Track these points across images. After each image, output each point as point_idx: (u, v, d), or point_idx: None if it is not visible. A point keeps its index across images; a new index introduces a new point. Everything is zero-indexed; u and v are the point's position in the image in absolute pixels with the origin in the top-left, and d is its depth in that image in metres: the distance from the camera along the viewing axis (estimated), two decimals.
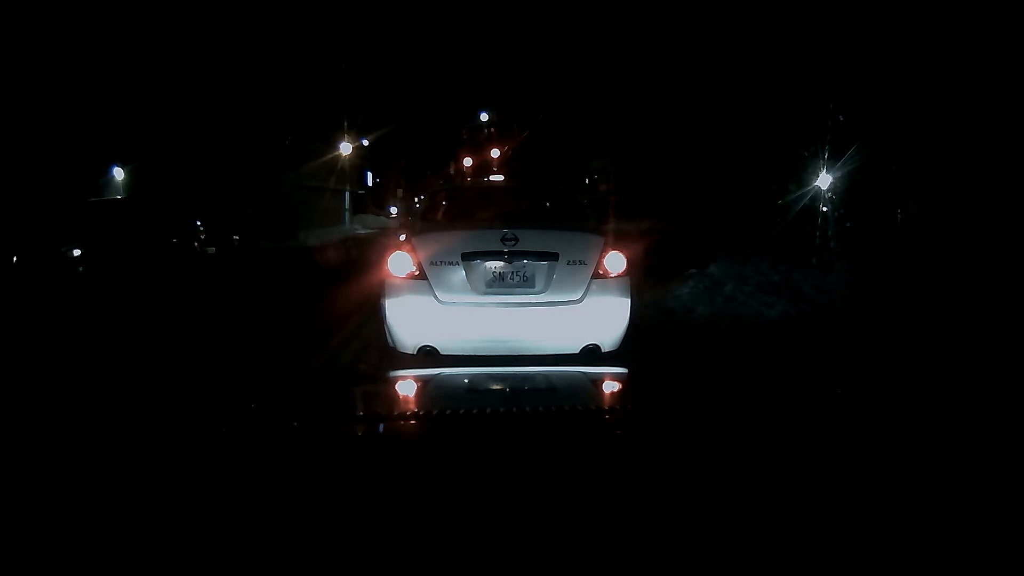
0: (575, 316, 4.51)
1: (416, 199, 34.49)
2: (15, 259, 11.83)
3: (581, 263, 4.56)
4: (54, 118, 17.34)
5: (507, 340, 4.49)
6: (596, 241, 4.72)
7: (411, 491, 1.07)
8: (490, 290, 4.53)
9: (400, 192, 57.57)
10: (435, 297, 4.49)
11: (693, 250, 9.43)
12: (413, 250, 4.61)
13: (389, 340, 4.74)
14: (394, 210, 50.11)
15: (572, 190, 6.64)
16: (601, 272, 4.59)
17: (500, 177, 15.10)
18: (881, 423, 1.41)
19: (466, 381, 2.18)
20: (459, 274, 4.52)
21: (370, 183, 47.59)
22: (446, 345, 4.51)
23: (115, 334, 6.43)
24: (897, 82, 9.24)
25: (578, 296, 4.52)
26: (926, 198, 11.40)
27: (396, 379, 2.48)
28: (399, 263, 4.61)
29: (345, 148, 34.77)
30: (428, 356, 4.49)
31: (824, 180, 9.30)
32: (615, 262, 4.66)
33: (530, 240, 4.55)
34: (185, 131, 20.61)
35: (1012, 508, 1.02)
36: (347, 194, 38.50)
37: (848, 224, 9.26)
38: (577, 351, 4.51)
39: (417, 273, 4.54)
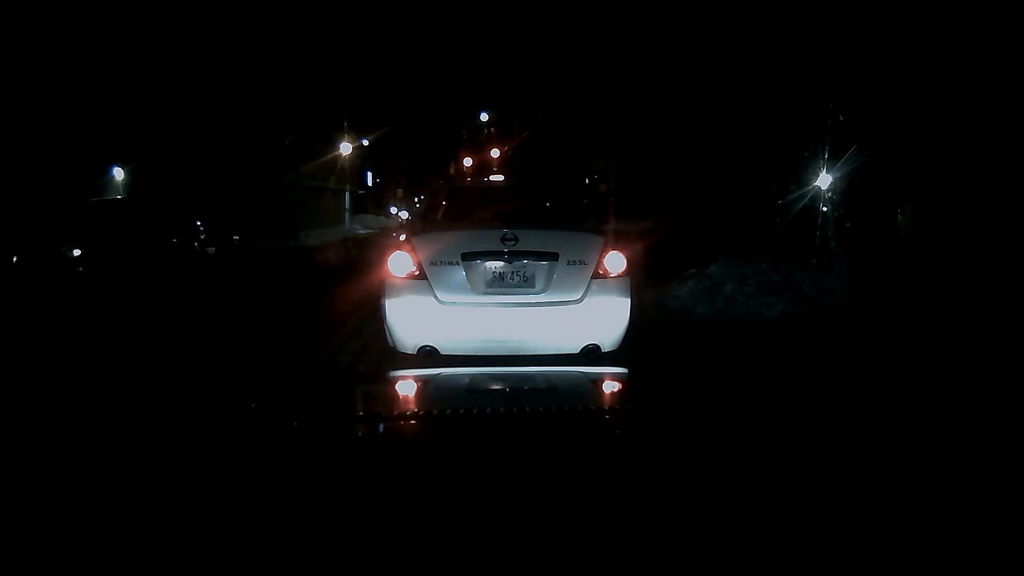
0: (575, 316, 4.51)
1: (416, 199, 34.49)
2: (15, 259, 11.82)
3: (581, 263, 4.56)
4: (54, 118, 17.34)
5: (507, 340, 4.49)
6: (596, 241, 4.71)
7: (411, 491, 1.07)
8: (490, 290, 4.53)
9: (400, 192, 57.61)
10: (435, 297, 4.49)
11: (693, 250, 9.43)
12: (413, 250, 4.61)
13: (389, 340, 4.74)
14: (394, 210, 50.14)
15: (572, 190, 6.63)
16: (601, 272, 4.59)
17: (500, 177, 15.09)
18: (881, 423, 1.41)
19: (466, 381, 2.18)
20: (459, 274, 4.52)
21: (370, 183, 47.61)
22: (446, 345, 4.51)
23: (115, 334, 6.43)
24: (897, 83, 9.24)
25: (578, 296, 4.52)
26: (926, 198, 11.41)
27: (396, 379, 2.48)
28: (399, 263, 4.61)
29: (345, 148, 34.78)
30: (428, 356, 4.49)
31: (824, 180, 9.30)
32: (615, 262, 4.66)
33: (530, 240, 4.55)
34: (185, 131, 20.61)
35: (1012, 508, 1.03)
36: (347, 194, 38.51)
37: (848, 224, 9.27)
38: (577, 351, 4.50)
39: (417, 273, 4.54)
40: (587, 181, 37.42)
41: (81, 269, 12.02)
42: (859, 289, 7.97)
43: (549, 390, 1.97)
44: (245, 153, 23.04)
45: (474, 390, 1.98)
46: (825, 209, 9.30)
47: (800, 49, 9.45)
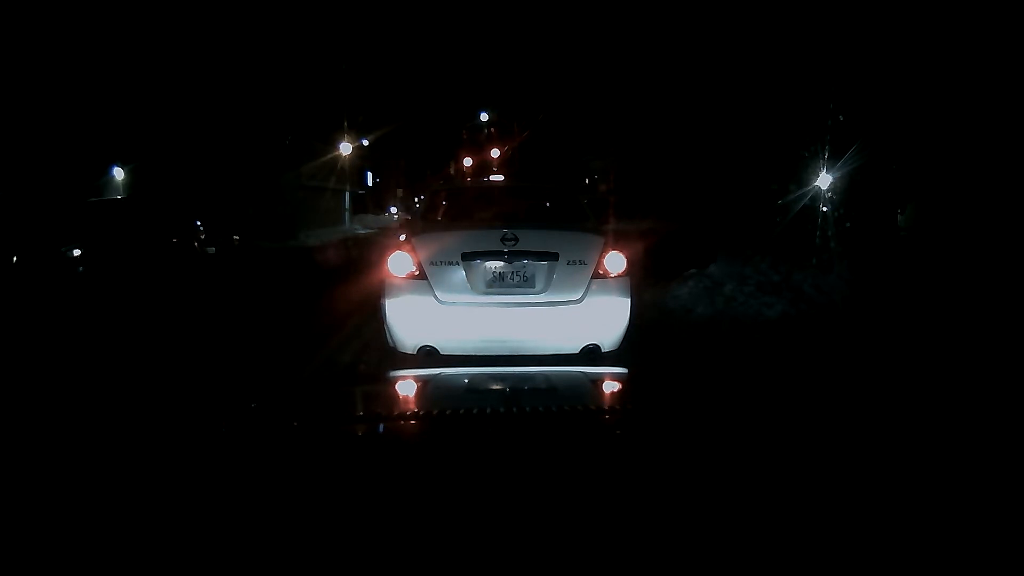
0: (575, 316, 4.51)
1: (416, 199, 34.49)
2: (15, 259, 11.82)
3: (581, 263, 4.56)
4: (54, 118, 17.34)
5: (507, 340, 4.49)
6: (596, 241, 4.71)
7: (411, 491, 1.08)
8: (490, 290, 4.53)
9: (400, 192, 57.67)
10: (435, 297, 4.49)
11: (693, 250, 9.43)
12: (413, 250, 4.61)
13: (389, 340, 4.74)
14: (394, 210, 50.17)
15: (572, 190, 6.63)
16: (601, 272, 4.59)
17: (500, 177, 15.09)
18: (881, 424, 1.41)
19: (466, 381, 2.18)
20: (459, 274, 4.52)
21: (370, 183, 47.64)
22: (446, 345, 4.51)
23: (115, 335, 6.43)
24: (896, 83, 9.24)
25: (578, 296, 4.52)
26: (926, 198, 11.40)
27: (396, 379, 2.48)
28: (399, 263, 4.61)
29: (345, 148, 34.79)
30: (428, 356, 4.49)
31: (824, 180, 9.30)
32: (615, 262, 4.66)
33: (530, 240, 4.55)
34: (185, 131, 20.61)
35: (1012, 508, 1.03)
36: (347, 194, 38.51)
37: (848, 224, 9.27)
38: (577, 351, 4.50)
39: (417, 273, 4.54)
40: (587, 181, 37.44)
41: (81, 269, 12.02)
42: (859, 289, 7.97)
43: (549, 390, 1.97)
44: (245, 153, 23.03)
45: (474, 390, 1.99)
46: (825, 209, 9.31)
47: (800, 49, 9.45)
